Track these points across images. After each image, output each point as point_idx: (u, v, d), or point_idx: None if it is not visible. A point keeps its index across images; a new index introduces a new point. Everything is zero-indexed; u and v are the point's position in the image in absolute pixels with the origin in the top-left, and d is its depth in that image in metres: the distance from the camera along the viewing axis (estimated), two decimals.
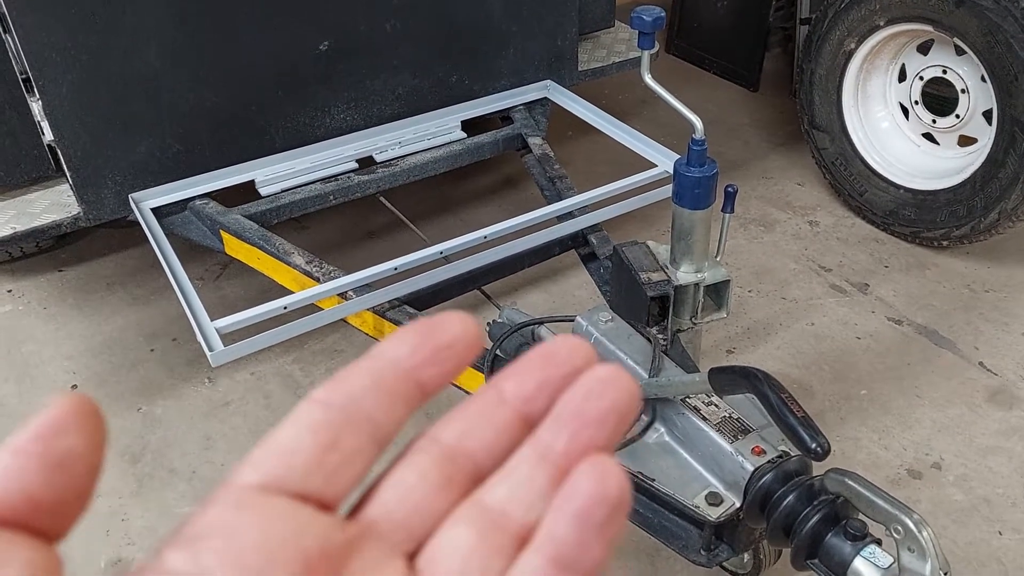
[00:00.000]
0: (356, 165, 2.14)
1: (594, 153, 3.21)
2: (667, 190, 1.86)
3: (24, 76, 1.81)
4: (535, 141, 2.20)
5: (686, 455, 1.29)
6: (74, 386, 2.42)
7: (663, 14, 1.51)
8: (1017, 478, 2.05)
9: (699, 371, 1.46)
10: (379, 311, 1.67)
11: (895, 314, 2.56)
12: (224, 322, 1.58)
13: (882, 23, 2.59)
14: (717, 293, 1.62)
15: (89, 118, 1.81)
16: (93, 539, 1.98)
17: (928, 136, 2.77)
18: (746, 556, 1.71)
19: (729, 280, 1.59)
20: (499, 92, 2.33)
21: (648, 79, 1.48)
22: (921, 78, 2.68)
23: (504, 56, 2.29)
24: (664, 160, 2.07)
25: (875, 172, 2.80)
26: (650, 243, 1.65)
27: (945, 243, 2.69)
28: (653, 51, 1.46)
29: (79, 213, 1.91)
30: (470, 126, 2.30)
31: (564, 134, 3.33)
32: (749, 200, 3.11)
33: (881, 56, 2.74)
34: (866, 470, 2.10)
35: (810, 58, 2.85)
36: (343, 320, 1.79)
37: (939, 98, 2.71)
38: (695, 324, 1.61)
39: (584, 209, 1.91)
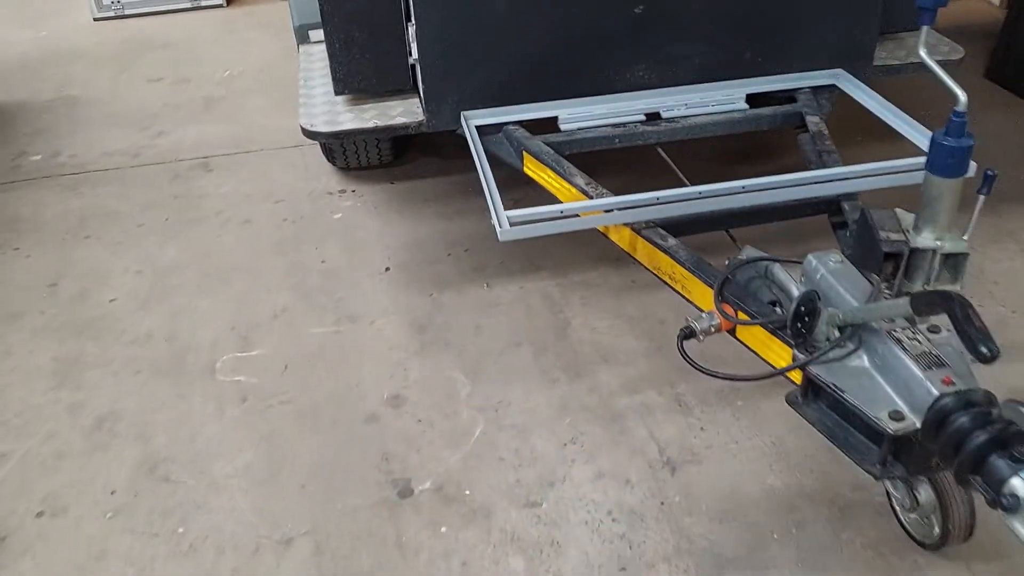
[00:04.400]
0: (644, 118, 2.45)
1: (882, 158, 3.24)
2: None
3: (406, 6, 2.34)
4: (812, 120, 2.37)
5: (880, 379, 1.45)
6: (387, 268, 3.00)
7: None
8: None
9: (949, 333, 1.58)
10: (635, 228, 1.97)
11: None
12: (513, 212, 1.97)
13: None
14: (955, 266, 1.72)
15: (446, 46, 2.30)
16: (382, 378, 2.50)
17: None
18: (935, 526, 1.80)
19: (968, 254, 1.69)
20: (789, 73, 2.52)
21: (922, 52, 1.63)
22: None
23: (799, 40, 2.47)
24: None
25: None
26: (898, 210, 1.79)
27: None
28: (931, 26, 1.60)
29: (423, 120, 2.42)
30: (754, 102, 2.52)
31: (854, 138, 3.39)
32: None
33: None
34: None
35: None
36: (605, 237, 2.12)
37: None
38: (926, 290, 1.73)
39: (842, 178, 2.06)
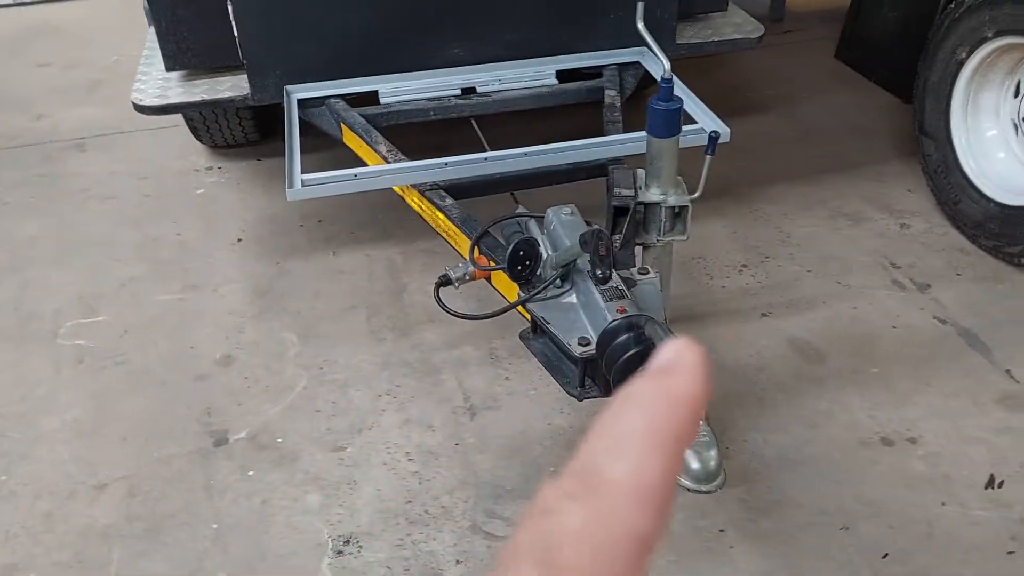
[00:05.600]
0: (460, 92, 2.62)
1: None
2: (692, 140, 2.18)
3: None
4: (610, 93, 2.56)
5: (582, 313, 1.64)
6: (239, 239, 3.13)
7: None
8: (988, 467, 2.13)
9: (655, 274, 1.79)
10: (422, 190, 2.15)
11: (944, 315, 2.63)
12: (309, 175, 2.13)
13: (990, 35, 2.64)
14: (681, 218, 1.92)
15: (264, 22, 2.44)
16: (216, 341, 2.64)
17: None
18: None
19: (688, 205, 1.89)
20: (596, 51, 2.70)
21: (640, 26, 1.82)
22: None
23: (605, 20, 2.65)
24: (709, 123, 2.34)
25: (970, 183, 2.84)
26: (638, 170, 1.98)
27: (1023, 260, 2.69)
28: (643, 2, 1.80)
29: (248, 94, 2.56)
30: (566, 77, 2.70)
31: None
32: (849, 197, 3.23)
33: (995, 70, 2.77)
34: (842, 429, 2.27)
35: (925, 64, 2.93)
36: (404, 201, 2.30)
37: None
38: (659, 242, 1.93)
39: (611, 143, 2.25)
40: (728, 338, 2.59)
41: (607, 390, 1.56)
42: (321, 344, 2.62)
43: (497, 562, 0.26)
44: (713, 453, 1.29)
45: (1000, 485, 2.09)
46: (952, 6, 2.77)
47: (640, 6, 1.81)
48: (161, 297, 2.84)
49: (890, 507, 2.05)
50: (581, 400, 1.62)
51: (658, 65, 2.67)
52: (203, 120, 3.38)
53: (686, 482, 1.28)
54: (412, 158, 2.34)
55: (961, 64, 2.79)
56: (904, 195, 3.23)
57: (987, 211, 2.78)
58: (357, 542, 2.02)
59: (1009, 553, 1.93)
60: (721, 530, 2.01)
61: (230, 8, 2.43)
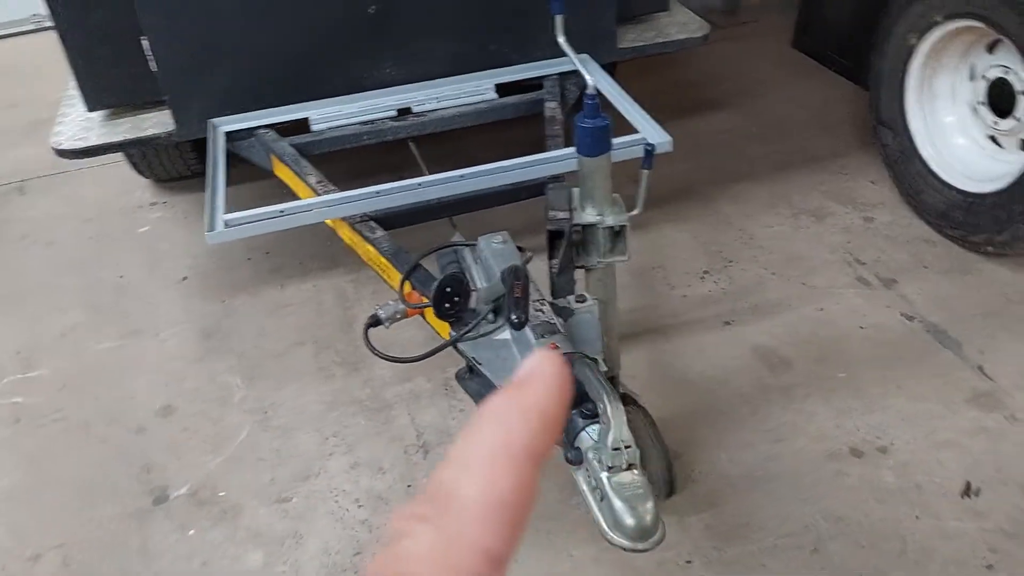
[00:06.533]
0: (396, 113, 2.51)
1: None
2: (630, 152, 2.08)
3: None
4: (550, 106, 2.45)
5: (515, 350, 1.54)
6: (185, 278, 3.02)
7: None
8: (962, 473, 2.03)
9: (593, 302, 1.69)
10: (351, 222, 2.04)
11: (911, 311, 2.54)
12: (232, 215, 2.01)
13: (939, 19, 2.55)
14: (619, 238, 1.81)
15: (182, 56, 2.33)
16: (157, 388, 2.52)
17: (995, 139, 2.67)
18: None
19: (626, 225, 1.78)
20: (535, 62, 2.60)
21: (560, 40, 1.71)
22: (985, 78, 2.60)
23: (541, 29, 2.54)
24: (652, 132, 2.24)
25: (931, 171, 2.75)
26: (574, 189, 1.87)
27: (989, 249, 2.60)
28: (563, 15, 1.69)
29: (172, 130, 2.44)
30: (506, 90, 2.59)
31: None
32: (811, 192, 3.13)
33: (948, 54, 2.68)
34: (810, 441, 2.17)
35: (878, 52, 2.84)
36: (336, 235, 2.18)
37: (1006, 99, 2.61)
38: (600, 263, 1.82)
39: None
40: (690, 351, 2.49)
41: None
42: (266, 386, 2.50)
43: None
44: (649, 506, 1.19)
45: (976, 493, 1.99)
46: None
47: (559, 19, 1.70)
48: (102, 345, 2.72)
49: (861, 524, 1.95)
50: None
51: (596, 72, 2.58)
52: (142, 156, 3.26)
53: (621, 540, 1.17)
54: (353, 185, 2.23)
55: (912, 50, 2.70)
56: (867, 187, 3.14)
57: (950, 200, 2.69)
58: None
59: (988, 567, 1.84)
60: (688, 561, 1.91)
61: (144, 43, 2.31)
